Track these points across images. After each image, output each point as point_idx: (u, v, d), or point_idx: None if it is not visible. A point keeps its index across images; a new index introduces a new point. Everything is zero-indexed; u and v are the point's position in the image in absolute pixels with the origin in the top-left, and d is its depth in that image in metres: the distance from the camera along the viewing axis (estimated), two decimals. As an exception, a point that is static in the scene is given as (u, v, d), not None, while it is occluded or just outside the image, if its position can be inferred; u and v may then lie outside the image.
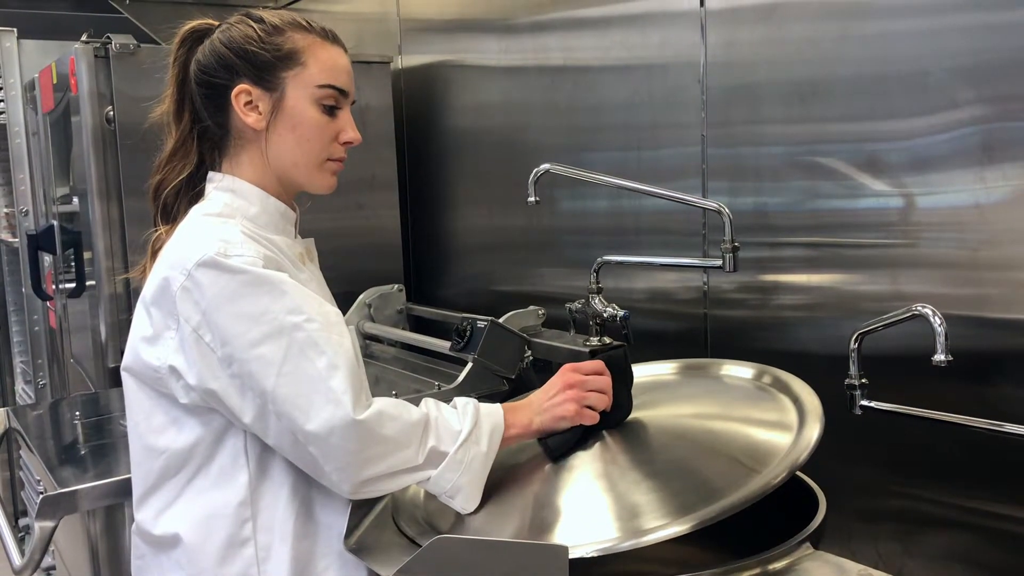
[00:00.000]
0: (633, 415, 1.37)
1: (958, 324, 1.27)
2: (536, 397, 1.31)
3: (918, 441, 1.52)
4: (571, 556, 1.03)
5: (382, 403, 1.16)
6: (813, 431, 1.21)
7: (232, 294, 1.14)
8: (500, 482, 1.26)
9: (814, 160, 1.66)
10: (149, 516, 1.26)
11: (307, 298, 1.17)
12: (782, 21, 1.70)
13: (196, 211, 1.28)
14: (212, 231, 1.20)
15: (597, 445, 1.31)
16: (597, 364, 1.34)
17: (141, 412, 1.25)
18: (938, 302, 1.25)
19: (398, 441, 1.15)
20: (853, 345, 1.36)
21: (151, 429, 1.24)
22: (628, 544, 1.08)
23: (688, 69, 1.87)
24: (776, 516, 1.25)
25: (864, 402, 1.38)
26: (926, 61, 1.47)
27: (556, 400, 1.28)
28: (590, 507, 1.20)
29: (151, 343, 1.20)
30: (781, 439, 1.23)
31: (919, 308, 1.24)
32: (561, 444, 1.30)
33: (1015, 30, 1.36)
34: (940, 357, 1.21)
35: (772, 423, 1.30)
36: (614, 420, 1.34)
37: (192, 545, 1.21)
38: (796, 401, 1.33)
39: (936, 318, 1.21)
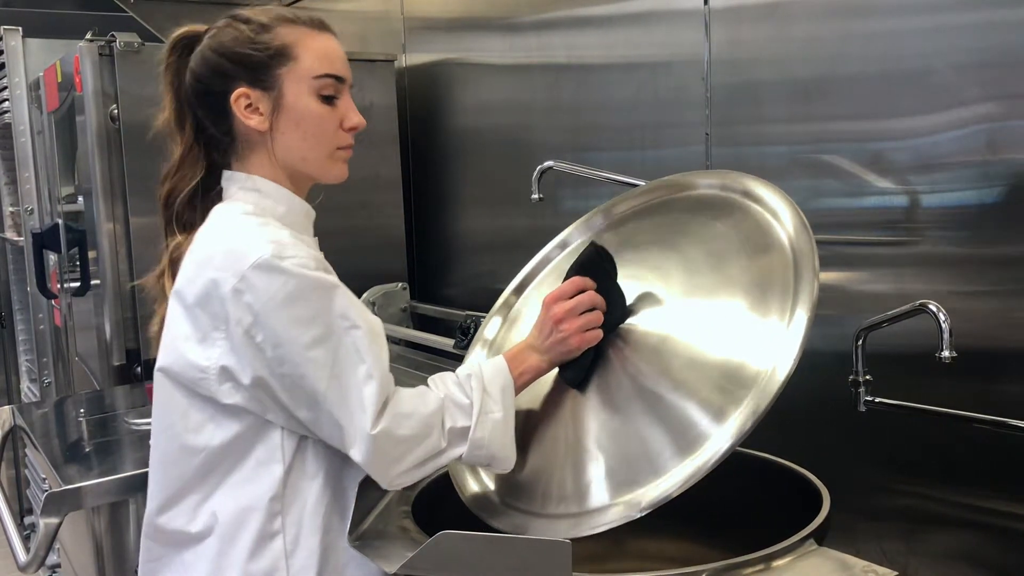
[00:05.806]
0: (636, 304, 1.31)
1: (963, 321, 1.27)
2: (534, 339, 1.28)
3: (922, 439, 1.52)
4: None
5: (396, 403, 1.17)
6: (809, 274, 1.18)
7: (287, 297, 1.13)
8: (535, 425, 1.27)
9: (819, 158, 1.66)
10: (183, 514, 1.24)
11: (354, 304, 1.18)
12: (786, 19, 1.70)
13: (231, 210, 1.25)
14: (261, 232, 1.18)
15: (614, 363, 1.27)
16: (574, 284, 1.28)
17: (177, 411, 1.24)
18: (943, 300, 1.24)
19: (417, 435, 1.16)
20: (857, 341, 1.36)
21: (188, 428, 1.23)
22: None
23: (692, 67, 1.87)
24: (780, 513, 1.25)
25: (868, 398, 1.38)
26: (931, 59, 1.47)
27: (554, 339, 1.26)
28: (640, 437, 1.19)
29: (200, 344, 1.19)
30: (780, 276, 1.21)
31: (924, 304, 1.24)
32: (578, 371, 1.27)
33: (1021, 28, 1.36)
34: (945, 353, 1.20)
35: (762, 247, 1.26)
36: (615, 321, 1.29)
37: (224, 540, 1.21)
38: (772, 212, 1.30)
39: (941, 314, 1.21)
